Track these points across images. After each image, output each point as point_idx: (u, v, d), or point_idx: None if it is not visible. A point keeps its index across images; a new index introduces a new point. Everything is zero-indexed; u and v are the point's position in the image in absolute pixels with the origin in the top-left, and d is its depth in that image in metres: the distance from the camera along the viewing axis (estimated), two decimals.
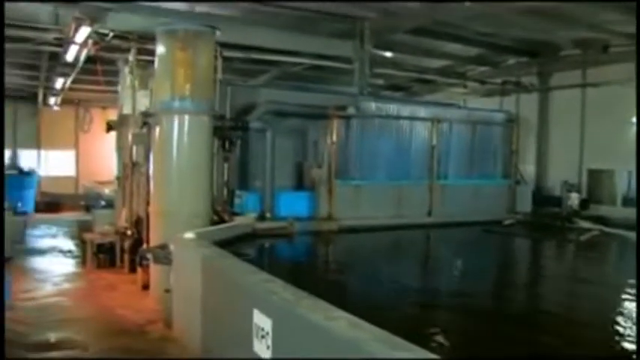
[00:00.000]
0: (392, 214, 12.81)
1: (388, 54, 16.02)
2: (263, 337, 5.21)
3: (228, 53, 12.44)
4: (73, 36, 11.00)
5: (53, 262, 14.46)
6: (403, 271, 10.24)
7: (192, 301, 7.39)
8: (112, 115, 24.06)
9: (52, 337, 8.80)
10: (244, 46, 13.39)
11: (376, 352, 3.74)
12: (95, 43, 12.04)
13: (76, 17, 9.83)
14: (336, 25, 13.50)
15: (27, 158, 25.60)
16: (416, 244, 12.95)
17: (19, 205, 17.27)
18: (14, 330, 8.72)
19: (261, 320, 5.24)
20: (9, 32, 11.66)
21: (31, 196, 22.76)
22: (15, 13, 11.14)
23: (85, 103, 27.19)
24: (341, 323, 4.28)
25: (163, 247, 9.07)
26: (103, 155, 26.10)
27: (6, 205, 14.29)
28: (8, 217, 14.18)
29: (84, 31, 10.43)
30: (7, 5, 11.13)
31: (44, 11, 11.28)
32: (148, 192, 12.22)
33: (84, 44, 11.75)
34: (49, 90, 22.60)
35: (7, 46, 12.13)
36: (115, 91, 20.09)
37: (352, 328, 4.17)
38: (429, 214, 13.43)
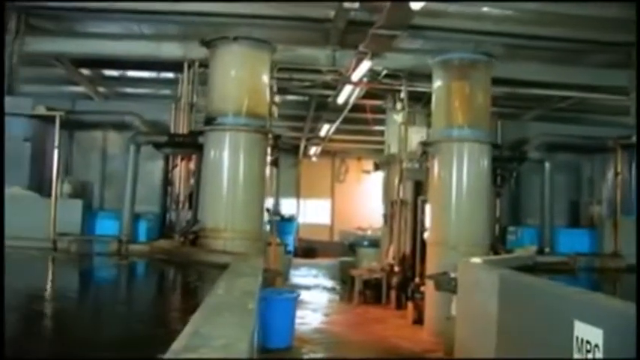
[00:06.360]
0: None
1: None
2: (588, 350, 4.75)
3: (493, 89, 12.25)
4: (351, 73, 11.53)
5: (319, 296, 15.09)
6: None
7: (483, 325, 7.05)
8: (367, 166, 25.15)
9: (333, 355, 9.12)
10: (509, 80, 13.04)
11: None
12: (368, 82, 12.56)
13: (360, 51, 10.28)
14: (607, 55, 12.72)
15: (287, 206, 27.30)
16: None
17: (287, 244, 18.35)
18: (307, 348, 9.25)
19: (587, 332, 4.78)
20: (294, 75, 12.63)
21: (290, 241, 24.12)
22: (298, 58, 12.00)
23: (341, 154, 28.59)
24: None
25: (443, 274, 8.94)
26: (357, 204, 27.23)
27: (279, 240, 15.29)
28: (280, 253, 15.10)
29: (364, 66, 10.85)
30: (288, 52, 12.18)
31: (323, 54, 11.98)
32: (415, 228, 12.34)
33: (358, 82, 12.27)
34: (310, 141, 24.16)
35: (284, 96, 13.14)
36: (373, 142, 21.07)
37: None
38: None
